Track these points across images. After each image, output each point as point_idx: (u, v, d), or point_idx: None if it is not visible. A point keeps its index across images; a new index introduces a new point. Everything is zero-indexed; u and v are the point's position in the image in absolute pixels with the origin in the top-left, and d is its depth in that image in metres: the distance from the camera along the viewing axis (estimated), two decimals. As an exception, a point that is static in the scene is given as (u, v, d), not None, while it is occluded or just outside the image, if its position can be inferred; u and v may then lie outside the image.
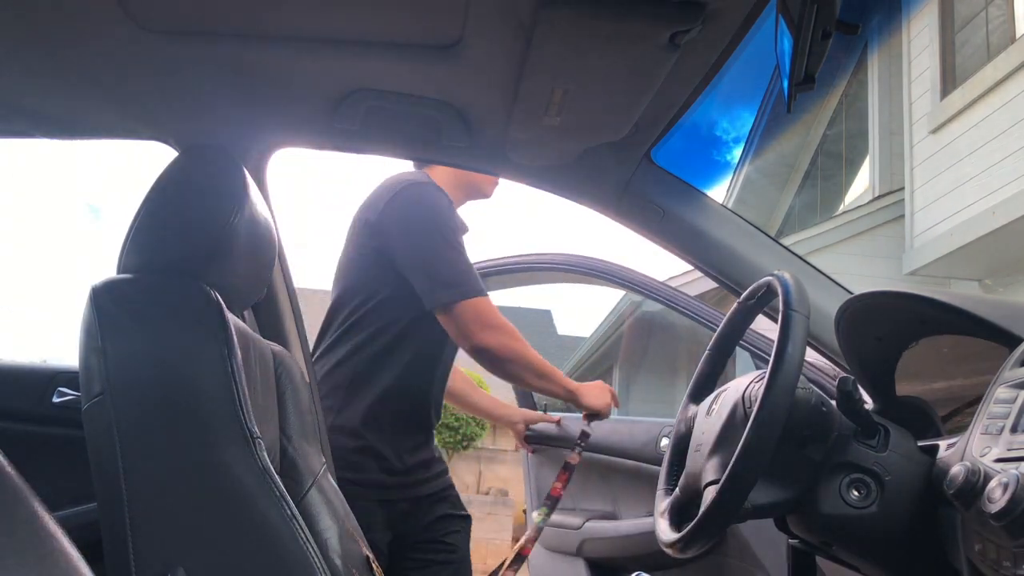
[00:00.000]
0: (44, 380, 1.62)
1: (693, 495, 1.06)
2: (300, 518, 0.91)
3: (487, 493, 8.07)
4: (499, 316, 1.61)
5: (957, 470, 0.82)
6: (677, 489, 1.15)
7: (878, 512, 0.95)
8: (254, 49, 1.09)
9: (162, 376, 0.86)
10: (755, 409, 0.90)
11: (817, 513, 0.98)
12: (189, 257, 0.96)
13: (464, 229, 1.69)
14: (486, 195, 1.84)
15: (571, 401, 1.80)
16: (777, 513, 1.03)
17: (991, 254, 5.60)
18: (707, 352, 1.27)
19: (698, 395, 1.26)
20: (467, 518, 1.79)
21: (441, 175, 1.73)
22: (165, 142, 1.38)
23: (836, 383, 0.99)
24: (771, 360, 0.93)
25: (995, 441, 0.83)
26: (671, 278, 5.38)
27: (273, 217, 1.55)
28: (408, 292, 1.60)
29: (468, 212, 1.75)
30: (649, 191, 1.50)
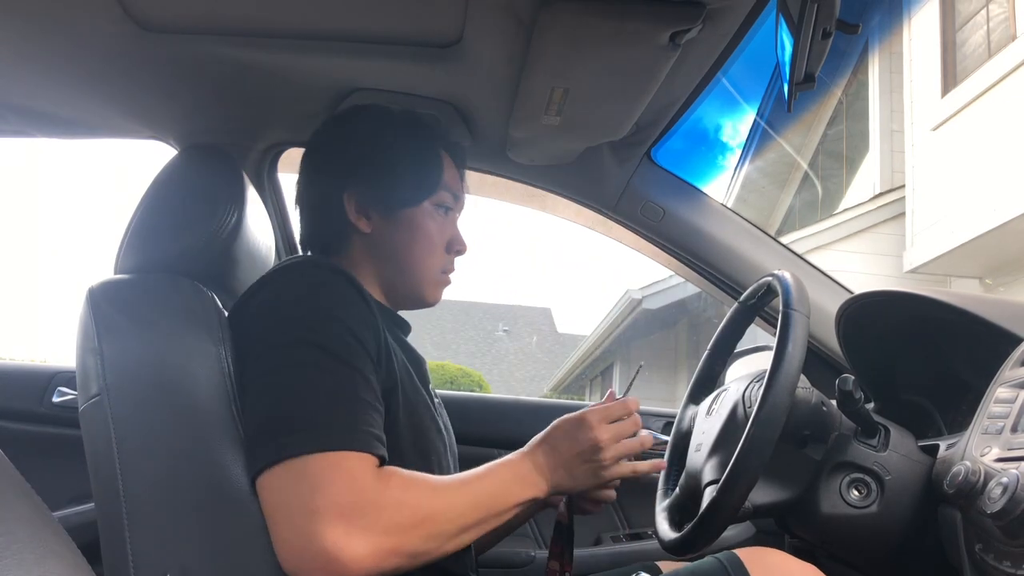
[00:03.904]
0: (44, 380, 1.62)
1: (693, 495, 1.06)
2: None
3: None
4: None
5: (957, 470, 0.82)
6: (677, 489, 1.15)
7: (878, 512, 0.95)
8: (254, 49, 1.09)
9: (159, 376, 0.85)
10: (755, 409, 0.90)
11: (817, 513, 0.98)
12: (185, 257, 0.96)
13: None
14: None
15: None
16: (777, 513, 1.03)
17: (992, 252, 5.60)
18: (707, 352, 1.27)
19: (698, 395, 1.26)
20: None
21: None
22: (165, 142, 1.38)
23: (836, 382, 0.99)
24: (771, 360, 0.92)
25: (995, 441, 0.83)
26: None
27: (276, 216, 1.55)
28: None
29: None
30: (649, 191, 1.50)
